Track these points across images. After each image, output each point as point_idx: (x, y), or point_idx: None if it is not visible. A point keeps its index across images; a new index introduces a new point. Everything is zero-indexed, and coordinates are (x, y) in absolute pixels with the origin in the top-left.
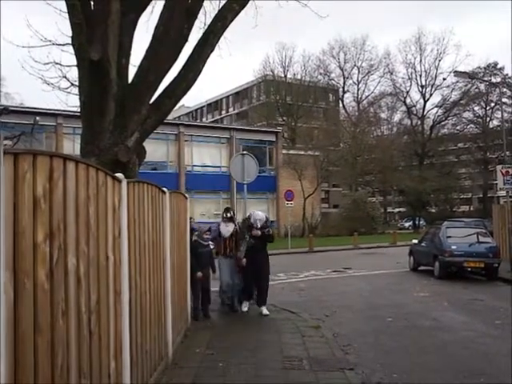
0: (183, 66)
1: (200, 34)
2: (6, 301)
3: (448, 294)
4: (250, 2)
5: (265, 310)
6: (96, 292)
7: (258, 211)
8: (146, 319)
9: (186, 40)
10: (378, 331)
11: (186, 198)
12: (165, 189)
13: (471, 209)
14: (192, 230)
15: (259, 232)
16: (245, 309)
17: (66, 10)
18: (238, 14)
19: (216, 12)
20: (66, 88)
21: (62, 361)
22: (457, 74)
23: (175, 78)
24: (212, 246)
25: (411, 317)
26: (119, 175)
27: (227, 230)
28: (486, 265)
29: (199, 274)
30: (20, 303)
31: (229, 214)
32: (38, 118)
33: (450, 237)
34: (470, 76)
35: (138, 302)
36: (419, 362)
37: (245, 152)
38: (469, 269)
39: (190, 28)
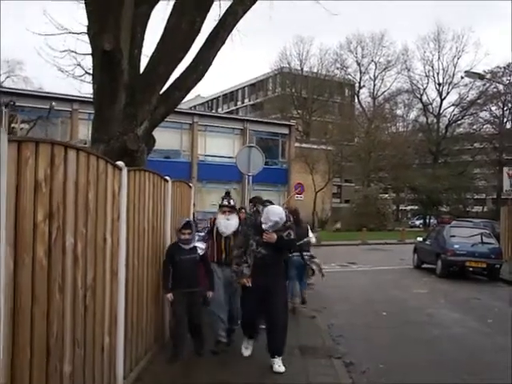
0: (194, 58)
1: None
2: (6, 273)
3: (446, 292)
4: None
5: (278, 364)
6: (92, 270)
7: (276, 206)
8: (142, 300)
9: (198, 32)
10: (372, 324)
11: (190, 187)
12: (167, 177)
13: (485, 209)
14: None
15: (275, 236)
16: (246, 353)
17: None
18: (249, 8)
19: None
20: (80, 76)
21: (56, 329)
22: (468, 74)
23: (186, 70)
24: (201, 251)
25: (406, 312)
26: (120, 163)
27: (228, 224)
28: (487, 265)
29: (169, 295)
30: (19, 276)
31: (232, 202)
32: (54, 103)
33: (453, 236)
34: (480, 77)
35: (135, 282)
36: (407, 354)
37: (252, 144)
38: (470, 268)
39: (203, 20)
